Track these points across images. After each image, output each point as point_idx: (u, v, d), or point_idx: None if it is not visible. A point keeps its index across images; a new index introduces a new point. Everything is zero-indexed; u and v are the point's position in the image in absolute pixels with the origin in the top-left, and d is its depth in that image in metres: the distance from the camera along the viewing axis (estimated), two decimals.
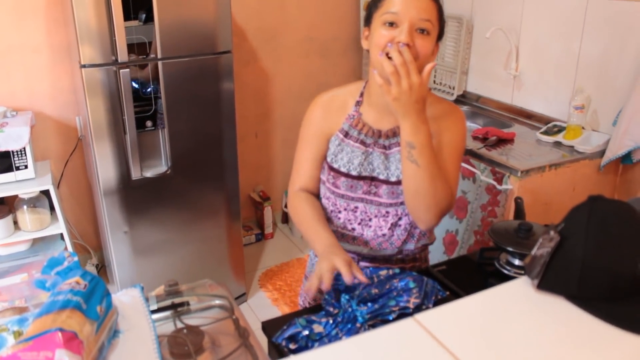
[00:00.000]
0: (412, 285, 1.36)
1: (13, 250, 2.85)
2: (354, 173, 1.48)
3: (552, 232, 1.04)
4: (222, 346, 1.20)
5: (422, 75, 1.27)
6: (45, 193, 2.71)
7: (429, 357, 0.92)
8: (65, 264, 1.15)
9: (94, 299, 1.07)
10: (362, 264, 1.57)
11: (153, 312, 1.28)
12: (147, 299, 1.26)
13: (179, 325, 1.25)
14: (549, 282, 1.06)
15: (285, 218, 3.80)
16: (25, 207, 2.73)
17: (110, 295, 1.14)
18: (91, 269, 3.19)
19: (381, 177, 1.47)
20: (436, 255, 2.63)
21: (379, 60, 1.31)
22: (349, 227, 1.53)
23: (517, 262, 1.53)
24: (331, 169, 1.51)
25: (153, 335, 1.14)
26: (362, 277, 1.29)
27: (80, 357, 0.94)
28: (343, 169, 1.49)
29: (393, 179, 1.45)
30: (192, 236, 2.76)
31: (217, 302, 1.31)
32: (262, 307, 3.01)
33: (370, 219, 1.51)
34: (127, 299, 1.26)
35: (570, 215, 1.08)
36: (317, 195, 1.59)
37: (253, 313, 2.96)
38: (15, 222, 2.77)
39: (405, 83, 1.25)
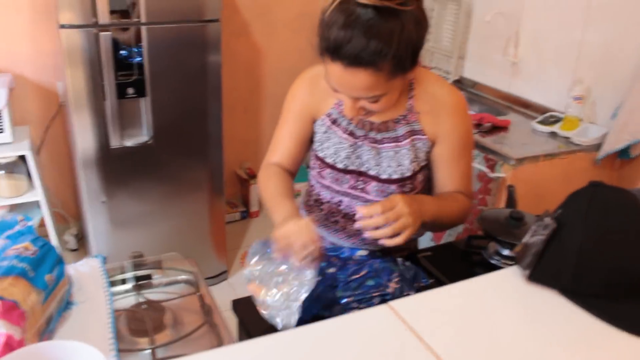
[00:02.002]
0: (393, 268, 1.28)
1: None
2: (340, 166, 1.37)
3: (547, 219, 0.95)
4: (185, 324, 1.13)
5: (395, 205, 1.16)
6: (23, 159, 2.61)
7: (400, 346, 0.85)
8: (17, 227, 1.06)
9: (43, 267, 0.98)
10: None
11: (114, 284, 1.20)
12: (107, 271, 1.18)
13: (141, 300, 1.17)
14: (541, 273, 0.97)
15: None
16: (1, 172, 2.63)
17: (64, 264, 1.06)
18: (70, 239, 3.10)
19: (371, 172, 1.37)
20: (423, 241, 2.55)
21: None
22: (332, 219, 1.44)
23: (506, 252, 1.46)
24: (317, 157, 1.42)
25: (109, 309, 1.06)
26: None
27: (20, 329, 0.86)
28: (329, 160, 1.38)
29: (384, 176, 1.35)
30: (172, 210, 2.67)
31: (183, 277, 1.24)
32: (243, 285, 2.91)
33: (355, 215, 1.42)
34: (85, 269, 1.18)
35: (569, 202, 0.99)
36: (292, 175, 1.48)
37: (233, 291, 2.88)
38: None
39: (397, 226, 1.14)
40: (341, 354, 0.84)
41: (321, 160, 1.40)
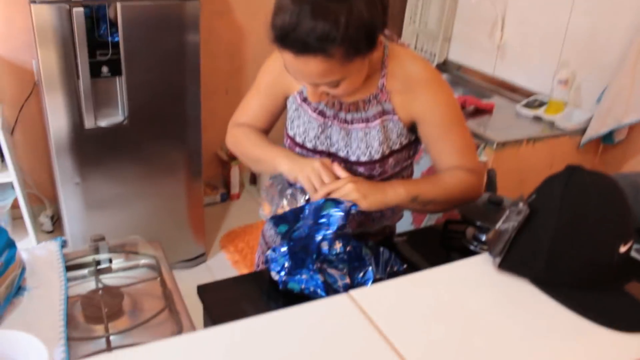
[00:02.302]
0: (366, 253, 1.24)
1: None
2: (309, 145, 1.33)
3: (520, 205, 0.90)
4: (145, 310, 1.08)
5: (341, 176, 1.21)
6: None
7: (357, 338, 0.80)
8: None
9: None
10: None
11: (73, 269, 1.15)
12: (64, 255, 1.13)
13: (100, 285, 1.12)
14: (512, 261, 0.92)
15: (254, 179, 3.66)
16: None
17: (15, 248, 1.01)
18: (45, 220, 3.04)
19: (340, 154, 1.32)
20: (403, 225, 2.51)
21: None
22: (301, 200, 1.39)
23: (484, 237, 1.42)
24: (288, 135, 1.37)
25: (62, 295, 1.01)
26: (342, 172, 1.22)
27: None
28: (298, 139, 1.34)
29: (353, 158, 1.30)
30: (149, 192, 2.61)
31: (145, 261, 1.18)
32: (221, 268, 2.89)
33: None
34: (42, 253, 1.13)
35: (544, 186, 0.93)
36: None
37: (211, 274, 2.84)
38: None
39: (344, 190, 1.18)
40: (295, 345, 0.80)
41: (291, 138, 1.36)
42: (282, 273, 1.16)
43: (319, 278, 1.13)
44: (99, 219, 2.55)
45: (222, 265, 2.91)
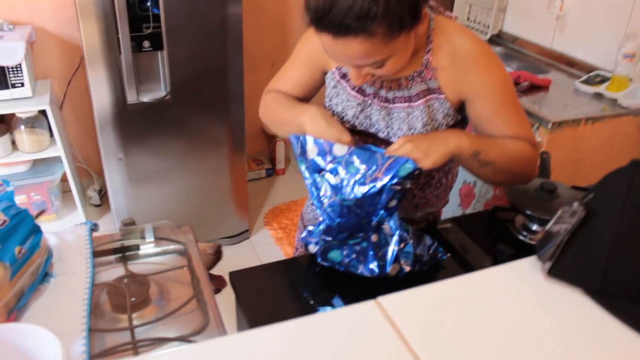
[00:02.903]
0: (407, 236, 1.17)
1: (12, 171, 2.75)
2: (347, 125, 1.25)
3: (575, 205, 0.79)
4: (172, 299, 1.05)
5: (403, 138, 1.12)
6: (45, 114, 2.57)
7: (382, 351, 0.73)
8: None
9: (13, 239, 0.91)
10: None
11: (101, 254, 1.13)
12: (92, 240, 1.10)
13: (127, 272, 1.10)
14: (564, 268, 0.81)
15: None
16: (22, 127, 2.60)
17: (41, 234, 0.98)
18: (93, 194, 3.08)
19: (380, 134, 1.24)
20: (450, 207, 2.42)
21: None
22: None
23: (535, 227, 1.33)
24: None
25: (87, 283, 0.98)
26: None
27: None
28: (336, 117, 1.26)
29: (394, 140, 1.21)
30: (191, 167, 2.60)
31: (173, 247, 1.15)
32: (264, 245, 2.87)
33: None
34: (71, 238, 1.11)
35: (604, 184, 0.81)
36: None
37: (254, 251, 2.83)
38: (14, 143, 2.65)
39: (404, 150, 1.09)
40: (317, 354, 0.74)
41: None
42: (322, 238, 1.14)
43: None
44: (142, 194, 2.56)
45: (266, 242, 2.89)
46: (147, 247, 1.14)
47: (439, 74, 1.17)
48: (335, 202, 1.10)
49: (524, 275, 0.85)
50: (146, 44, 2.27)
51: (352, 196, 1.08)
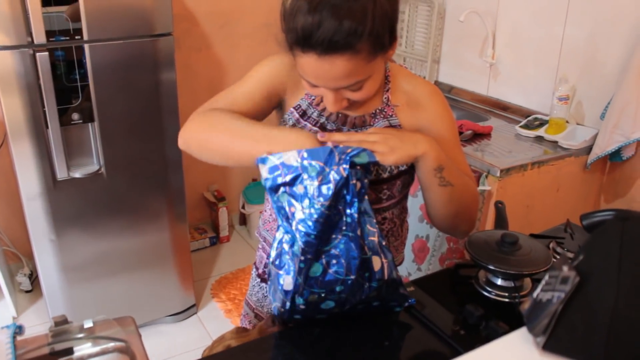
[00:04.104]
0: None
1: None
2: None
3: (565, 269, 0.71)
4: None
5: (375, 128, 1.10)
6: None
7: None
8: None
9: None
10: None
11: None
12: (15, 347, 0.95)
13: None
14: (561, 341, 0.73)
15: (243, 220, 3.48)
16: None
17: None
18: (23, 279, 2.85)
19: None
20: (405, 263, 2.35)
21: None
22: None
23: (499, 281, 1.27)
24: None
25: None
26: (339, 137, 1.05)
27: None
28: None
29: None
30: (131, 243, 2.43)
31: (113, 344, 1.01)
32: (213, 319, 2.70)
33: None
34: None
35: (593, 244, 0.73)
36: None
37: (204, 327, 2.65)
38: None
39: (371, 138, 1.04)
40: None
41: None
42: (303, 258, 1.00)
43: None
44: (78, 277, 2.37)
45: (214, 316, 2.72)
46: (84, 348, 0.99)
47: (399, 111, 1.19)
48: (307, 214, 1.00)
49: (518, 353, 0.76)
50: (75, 116, 2.14)
51: (320, 199, 0.99)
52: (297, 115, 1.20)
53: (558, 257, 1.37)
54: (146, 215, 2.43)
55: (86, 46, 2.09)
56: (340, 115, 1.18)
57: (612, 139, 2.11)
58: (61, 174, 2.18)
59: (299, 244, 1.01)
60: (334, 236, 1.03)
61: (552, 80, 2.41)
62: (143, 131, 2.31)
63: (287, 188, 1.02)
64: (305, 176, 0.99)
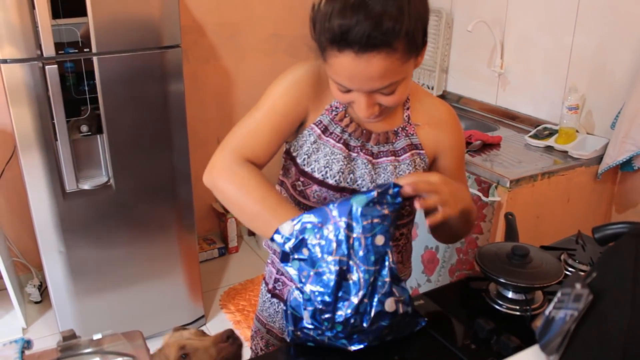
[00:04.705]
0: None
1: None
2: (331, 181, 1.15)
3: (578, 287, 0.70)
4: None
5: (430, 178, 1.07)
6: None
7: None
8: None
9: None
10: None
11: None
12: None
13: None
14: None
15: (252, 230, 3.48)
16: None
17: None
18: (32, 290, 2.85)
19: (364, 190, 1.16)
20: (414, 274, 2.34)
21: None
22: None
23: (510, 294, 1.25)
24: (302, 173, 1.18)
25: None
26: None
27: None
28: (317, 175, 1.15)
29: None
30: (139, 254, 2.43)
31: (120, 359, 1.00)
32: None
33: None
34: None
35: (606, 261, 0.72)
36: None
37: None
38: None
39: (441, 188, 1.06)
40: None
41: (308, 175, 1.17)
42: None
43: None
44: (87, 288, 2.37)
45: (223, 328, 2.68)
46: None
47: (420, 130, 1.22)
48: (319, 274, 1.00)
49: None
50: (84, 128, 2.15)
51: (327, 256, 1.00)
52: (318, 131, 1.17)
53: (570, 269, 1.36)
54: (155, 227, 2.43)
55: (95, 58, 2.10)
56: (365, 131, 1.18)
57: (623, 149, 2.09)
58: (70, 185, 2.18)
59: (314, 309, 1.01)
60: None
61: (562, 89, 2.39)
62: (151, 142, 2.31)
63: (295, 254, 1.02)
64: (308, 236, 1.01)
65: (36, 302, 2.85)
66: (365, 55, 0.96)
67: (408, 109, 1.21)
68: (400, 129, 1.20)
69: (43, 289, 2.89)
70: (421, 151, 1.21)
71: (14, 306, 2.60)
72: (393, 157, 1.19)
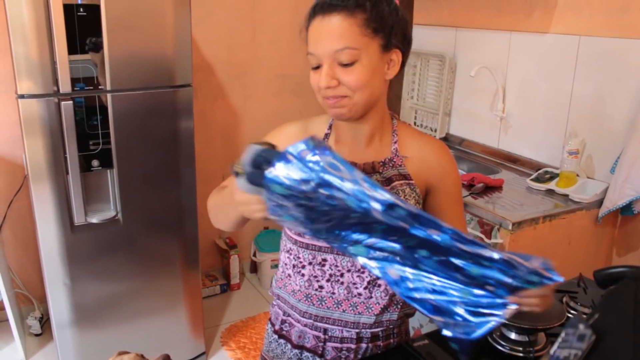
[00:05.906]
0: None
1: None
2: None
3: (582, 327, 0.73)
4: None
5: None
6: None
7: None
8: None
9: None
10: (329, 344, 1.29)
11: None
12: None
13: None
14: None
15: (254, 267, 3.49)
16: None
17: None
18: (33, 323, 2.85)
19: None
20: (417, 314, 2.34)
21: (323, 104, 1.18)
22: (316, 284, 1.24)
23: (513, 335, 1.27)
24: None
25: None
26: None
27: None
28: None
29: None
30: (143, 289, 2.45)
31: None
32: None
33: (342, 274, 1.23)
34: None
35: (608, 303, 0.76)
36: None
37: None
38: None
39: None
40: None
41: None
42: None
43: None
44: (90, 321, 2.37)
45: None
46: None
47: (408, 163, 1.23)
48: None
49: None
50: (95, 162, 2.20)
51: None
52: None
53: (572, 311, 1.38)
54: (160, 261, 2.45)
55: (109, 95, 2.16)
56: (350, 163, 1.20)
57: (622, 193, 2.13)
58: (79, 219, 2.21)
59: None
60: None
61: (562, 134, 2.45)
62: (160, 178, 2.36)
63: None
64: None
65: (36, 335, 2.85)
66: (327, 16, 1.09)
67: (396, 142, 1.24)
68: (387, 159, 1.23)
69: (44, 321, 2.89)
70: (411, 181, 1.21)
71: (14, 338, 2.60)
72: (386, 186, 1.20)
